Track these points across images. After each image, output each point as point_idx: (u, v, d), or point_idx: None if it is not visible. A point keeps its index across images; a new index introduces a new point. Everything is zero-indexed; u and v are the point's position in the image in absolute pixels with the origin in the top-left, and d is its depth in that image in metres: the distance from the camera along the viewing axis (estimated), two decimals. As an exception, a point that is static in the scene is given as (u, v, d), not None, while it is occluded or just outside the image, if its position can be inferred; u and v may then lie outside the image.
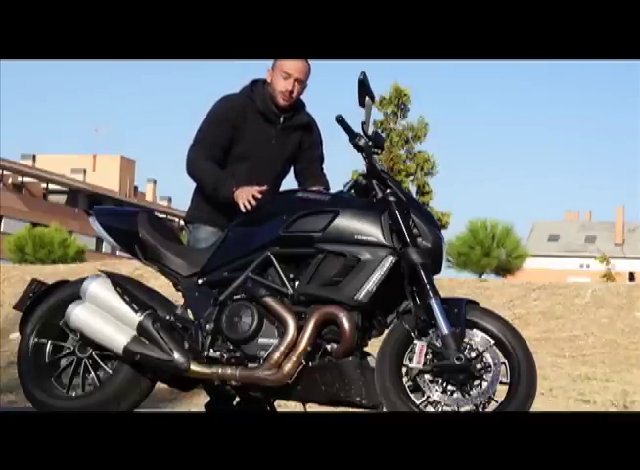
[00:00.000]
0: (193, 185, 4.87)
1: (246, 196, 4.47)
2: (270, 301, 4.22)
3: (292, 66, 4.69)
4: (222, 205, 4.62)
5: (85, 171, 59.85)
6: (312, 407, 4.39)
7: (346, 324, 4.10)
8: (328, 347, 4.17)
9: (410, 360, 4.06)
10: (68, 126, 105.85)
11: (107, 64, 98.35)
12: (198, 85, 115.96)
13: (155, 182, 66.89)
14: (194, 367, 4.27)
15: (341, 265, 4.17)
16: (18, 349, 4.65)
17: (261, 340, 4.23)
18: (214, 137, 4.72)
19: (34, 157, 58.76)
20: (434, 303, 4.04)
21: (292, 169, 4.97)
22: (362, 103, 4.25)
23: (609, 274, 17.22)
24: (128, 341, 4.34)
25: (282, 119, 4.81)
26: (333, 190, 4.70)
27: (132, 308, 4.38)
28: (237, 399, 4.59)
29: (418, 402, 4.00)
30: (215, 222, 4.75)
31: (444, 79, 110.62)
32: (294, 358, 4.13)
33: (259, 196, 4.46)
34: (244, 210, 4.46)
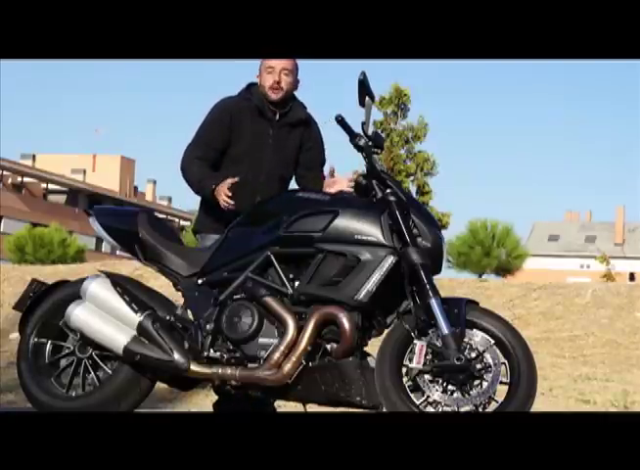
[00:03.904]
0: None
1: (223, 192, 4.56)
2: (270, 301, 4.23)
3: (275, 60, 4.76)
4: (226, 212, 4.63)
5: (85, 171, 59.79)
6: (312, 407, 4.39)
7: (346, 324, 4.10)
8: (328, 347, 4.17)
9: (410, 360, 4.06)
10: (69, 126, 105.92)
11: (107, 64, 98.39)
12: (198, 85, 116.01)
13: (155, 182, 66.86)
14: (194, 367, 4.27)
15: (341, 265, 4.17)
16: (18, 349, 4.65)
17: (261, 340, 4.23)
18: (208, 139, 4.81)
19: (34, 157, 58.71)
20: (433, 303, 4.04)
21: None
22: (362, 103, 4.25)
23: (609, 274, 17.17)
24: (128, 341, 4.34)
25: (278, 116, 4.83)
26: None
27: (132, 308, 4.38)
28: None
29: (418, 402, 4.01)
30: (222, 230, 4.72)
31: (444, 79, 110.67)
32: (294, 358, 4.13)
33: (230, 194, 4.53)
34: (223, 206, 4.57)
